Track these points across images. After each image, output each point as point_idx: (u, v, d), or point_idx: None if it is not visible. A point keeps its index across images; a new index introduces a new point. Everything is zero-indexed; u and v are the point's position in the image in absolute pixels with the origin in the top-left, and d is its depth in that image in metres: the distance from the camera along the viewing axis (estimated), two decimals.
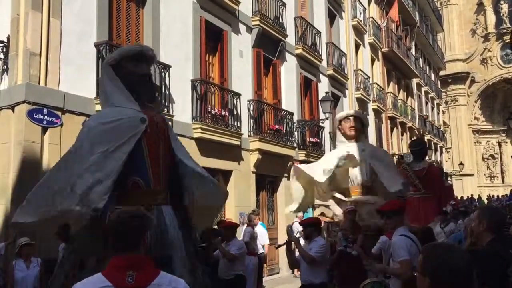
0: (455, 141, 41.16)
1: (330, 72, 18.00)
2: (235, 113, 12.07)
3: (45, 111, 7.74)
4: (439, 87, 40.44)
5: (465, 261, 1.85)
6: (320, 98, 16.04)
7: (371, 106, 22.10)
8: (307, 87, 16.48)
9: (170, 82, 10.05)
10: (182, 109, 10.58)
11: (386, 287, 4.55)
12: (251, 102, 12.95)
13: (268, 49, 14.06)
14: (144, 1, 10.30)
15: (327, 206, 7.45)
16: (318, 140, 16.32)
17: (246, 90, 12.91)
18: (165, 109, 9.79)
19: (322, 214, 10.75)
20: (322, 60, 17.13)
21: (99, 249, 3.10)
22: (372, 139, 20.11)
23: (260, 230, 10.35)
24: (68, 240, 6.46)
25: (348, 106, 19.71)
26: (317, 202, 7.36)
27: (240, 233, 9.13)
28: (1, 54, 7.98)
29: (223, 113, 11.69)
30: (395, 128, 25.74)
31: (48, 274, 6.59)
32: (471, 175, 40.37)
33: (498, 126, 41.45)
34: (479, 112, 42.40)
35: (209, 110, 11.30)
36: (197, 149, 10.83)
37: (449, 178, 33.83)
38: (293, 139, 14.63)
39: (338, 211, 6.99)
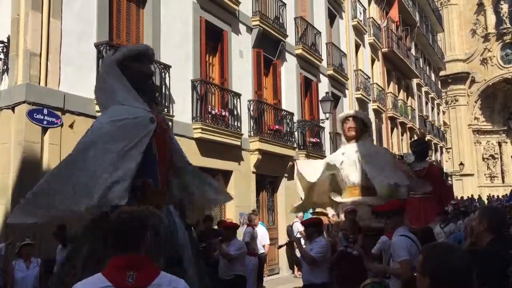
0: (455, 141, 41.15)
1: (330, 72, 18.00)
2: (235, 113, 12.07)
3: (45, 111, 7.74)
4: (439, 87, 40.45)
5: (465, 261, 1.85)
6: (320, 98, 16.04)
7: (371, 106, 22.10)
8: (307, 87, 16.48)
9: (170, 82, 10.05)
10: (182, 109, 10.58)
11: (386, 287, 4.56)
12: (251, 102, 12.95)
13: (268, 49, 14.07)
14: (144, 1, 10.30)
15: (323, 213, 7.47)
16: (318, 140, 16.32)
17: (246, 90, 12.91)
18: (165, 109, 9.79)
19: (322, 213, 10.74)
20: (322, 60, 17.13)
21: (100, 249, 3.10)
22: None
23: (261, 230, 10.35)
24: (65, 240, 6.46)
25: (348, 106, 19.71)
26: (317, 208, 7.40)
27: (240, 234, 9.13)
28: (1, 54, 7.99)
29: (223, 113, 11.70)
30: (395, 128, 25.73)
31: (48, 274, 6.60)
32: (471, 175, 40.36)
33: (498, 126, 41.44)
34: (479, 112, 42.39)
35: (209, 110, 11.30)
36: (197, 149, 10.84)
37: (449, 178, 33.82)
38: (293, 139, 14.63)
39: (331, 212, 7.02)
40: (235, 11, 12.70)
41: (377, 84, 23.28)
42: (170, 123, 8.58)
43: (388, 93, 25.12)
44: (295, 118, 15.04)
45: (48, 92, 7.90)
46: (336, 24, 19.76)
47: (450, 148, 40.80)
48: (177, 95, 10.44)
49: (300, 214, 13.53)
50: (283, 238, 12.93)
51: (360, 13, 21.46)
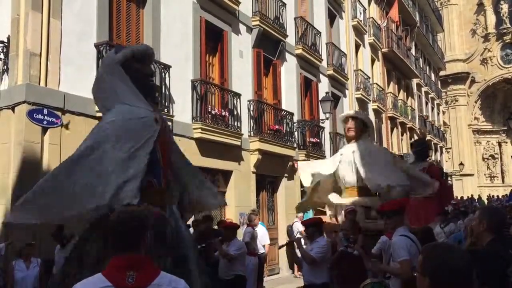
0: (455, 141, 41.15)
1: (330, 72, 18.00)
2: (235, 113, 12.07)
3: (45, 111, 7.74)
4: (439, 87, 40.45)
5: (465, 261, 1.85)
6: (320, 98, 16.04)
7: (371, 106, 22.10)
8: (307, 87, 16.48)
9: (170, 82, 10.05)
10: (182, 109, 10.58)
11: (386, 287, 4.56)
12: (251, 102, 12.95)
13: (268, 49, 14.07)
14: (144, 1, 10.30)
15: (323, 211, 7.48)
16: (318, 140, 16.32)
17: (246, 90, 12.91)
18: (165, 109, 9.79)
19: (320, 211, 10.75)
20: (322, 60, 17.13)
21: (100, 249, 3.10)
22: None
23: (261, 230, 10.34)
24: (63, 241, 6.46)
25: (348, 106, 19.71)
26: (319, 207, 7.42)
27: (240, 234, 9.13)
28: (1, 54, 7.99)
29: (223, 113, 11.70)
30: (395, 128, 25.73)
31: (48, 274, 6.62)
32: (471, 175, 40.37)
33: (498, 126, 41.45)
34: (479, 112, 42.40)
35: (209, 110, 11.30)
36: (197, 149, 10.84)
37: (449, 179, 33.81)
38: (293, 139, 14.63)
39: (329, 213, 7.05)
40: (235, 11, 12.70)
41: (377, 84, 23.28)
42: (170, 123, 8.60)
43: (388, 93, 25.12)
44: (295, 118, 15.04)
45: (48, 92, 7.90)
46: (336, 24, 19.76)
47: (450, 148, 40.81)
48: (177, 95, 10.44)
49: (300, 214, 13.53)
50: (283, 238, 12.93)
51: (360, 13, 21.46)
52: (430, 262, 1.87)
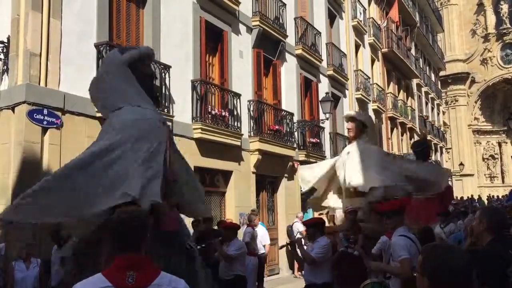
0: (455, 142, 41.16)
1: (330, 72, 18.00)
2: (235, 113, 12.07)
3: (45, 111, 7.74)
4: (439, 87, 40.45)
5: (465, 261, 1.85)
6: (320, 98, 16.04)
7: (371, 106, 22.10)
8: (307, 88, 16.48)
9: (170, 82, 10.05)
10: (182, 110, 10.58)
11: (386, 287, 4.56)
12: (251, 102, 12.95)
13: (268, 50, 14.06)
14: (144, 2, 10.30)
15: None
16: (318, 140, 16.32)
17: (246, 91, 12.91)
18: (165, 110, 9.79)
19: (321, 214, 10.75)
20: (322, 60, 17.13)
21: (100, 250, 3.10)
22: None
23: (261, 230, 10.35)
24: (60, 241, 6.45)
25: (348, 106, 19.71)
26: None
27: (240, 234, 9.13)
28: (2, 54, 7.98)
29: (223, 113, 11.69)
30: (395, 129, 25.73)
31: (48, 274, 6.62)
32: (471, 175, 40.36)
33: (498, 127, 41.45)
34: (479, 112, 42.41)
35: (209, 110, 11.30)
36: (197, 149, 10.84)
37: (449, 179, 33.76)
38: (293, 140, 14.63)
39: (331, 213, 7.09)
40: (235, 11, 12.70)
41: (377, 84, 23.28)
42: (170, 123, 8.59)
43: (388, 93, 25.12)
44: (295, 118, 15.04)
45: (48, 92, 7.90)
46: (336, 24, 19.76)
47: (450, 148, 40.82)
48: (177, 95, 10.44)
49: (300, 214, 13.56)
50: (283, 238, 12.93)
51: (360, 13, 21.46)
52: (430, 262, 1.87)
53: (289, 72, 15.22)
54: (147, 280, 2.21)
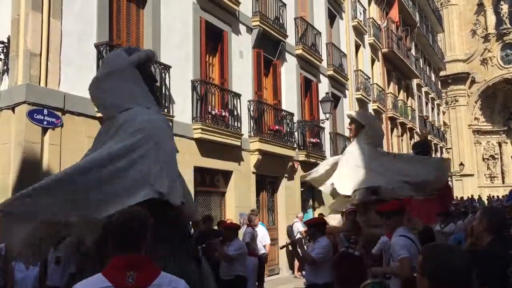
0: (455, 142, 41.17)
1: (330, 72, 18.00)
2: (235, 113, 12.07)
3: (45, 111, 7.74)
4: (439, 87, 40.46)
5: (465, 261, 1.85)
6: (320, 98, 16.04)
7: (371, 106, 22.10)
8: (307, 88, 16.48)
9: (170, 82, 10.05)
10: (182, 110, 10.58)
11: (386, 287, 4.56)
12: (251, 102, 12.95)
13: (268, 50, 14.06)
14: (144, 2, 10.31)
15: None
16: (318, 140, 16.32)
17: (246, 91, 12.91)
18: (165, 110, 9.79)
19: (321, 214, 10.78)
20: (322, 60, 17.13)
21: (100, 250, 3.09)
22: None
23: (261, 231, 10.35)
24: (58, 242, 6.43)
25: (348, 106, 19.71)
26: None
27: (241, 234, 9.12)
28: (2, 54, 7.99)
29: (223, 113, 11.69)
30: (395, 129, 25.73)
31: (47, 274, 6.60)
32: (471, 175, 40.37)
33: (498, 127, 41.45)
34: (479, 112, 42.41)
35: (209, 110, 11.30)
36: (197, 149, 10.84)
37: (449, 179, 33.76)
38: (293, 140, 14.63)
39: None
40: (235, 12, 12.70)
41: (377, 84, 23.28)
42: (170, 124, 8.59)
43: (388, 93, 25.12)
44: (295, 119, 15.04)
45: (48, 93, 7.90)
46: (336, 25, 19.76)
47: (450, 148, 40.81)
48: (177, 96, 10.44)
49: (300, 214, 13.57)
50: (283, 239, 12.92)
51: (360, 13, 21.46)
52: (430, 262, 1.87)
53: (289, 72, 15.22)
54: (147, 280, 2.21)
